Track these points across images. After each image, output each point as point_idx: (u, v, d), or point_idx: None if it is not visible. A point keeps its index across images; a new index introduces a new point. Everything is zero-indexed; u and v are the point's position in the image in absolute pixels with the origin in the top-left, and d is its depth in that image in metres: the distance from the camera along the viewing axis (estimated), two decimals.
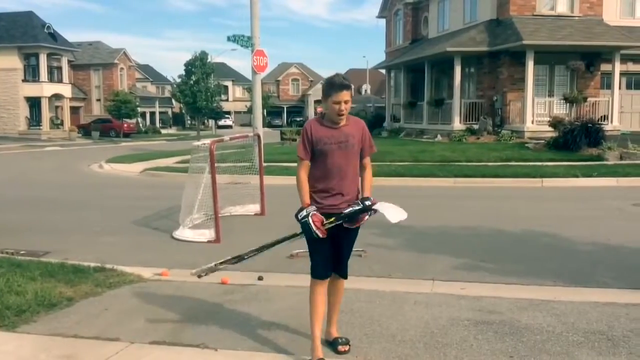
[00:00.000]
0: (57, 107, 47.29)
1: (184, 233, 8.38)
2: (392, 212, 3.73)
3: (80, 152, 31.17)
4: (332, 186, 3.77)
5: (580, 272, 6.26)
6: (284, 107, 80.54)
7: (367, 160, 3.95)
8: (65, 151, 32.31)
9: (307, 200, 3.75)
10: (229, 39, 13.92)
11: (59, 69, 46.04)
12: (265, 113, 62.41)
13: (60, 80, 45.93)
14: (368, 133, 3.95)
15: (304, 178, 3.80)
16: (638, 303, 4.99)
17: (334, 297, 4.05)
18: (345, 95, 3.67)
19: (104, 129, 47.14)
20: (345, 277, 4.03)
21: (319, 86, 78.18)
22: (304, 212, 3.66)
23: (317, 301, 3.86)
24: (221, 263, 4.08)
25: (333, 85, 3.70)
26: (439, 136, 25.00)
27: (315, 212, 3.67)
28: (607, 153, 17.25)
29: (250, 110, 23.05)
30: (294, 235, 3.89)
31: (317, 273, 3.85)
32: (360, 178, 3.93)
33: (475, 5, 26.22)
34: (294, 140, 30.02)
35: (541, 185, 14.23)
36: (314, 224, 3.61)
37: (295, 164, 4.04)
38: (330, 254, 3.83)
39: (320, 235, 3.63)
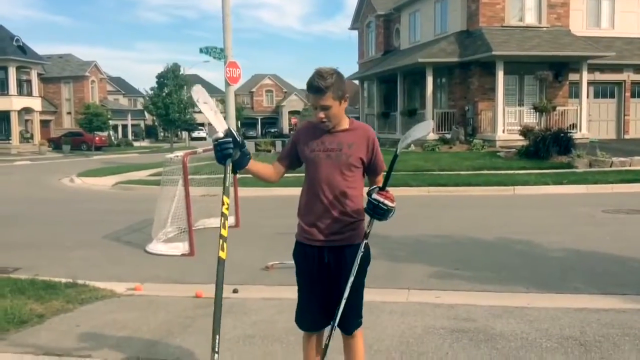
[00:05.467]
0: (26, 120, 46.52)
1: (157, 247, 8.28)
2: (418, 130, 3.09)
3: (51, 166, 30.63)
4: (317, 206, 2.99)
5: (553, 278, 6.34)
6: (258, 119, 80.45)
7: (381, 178, 3.11)
8: (36, 165, 31.74)
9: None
10: (201, 50, 13.88)
11: (29, 82, 45.36)
12: (239, 124, 62.26)
13: (29, 94, 45.24)
14: (377, 146, 3.08)
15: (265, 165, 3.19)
16: (609, 308, 5.08)
17: (347, 358, 3.24)
18: (319, 99, 2.87)
19: (75, 143, 46.47)
20: (348, 333, 3.12)
21: (293, 97, 79.56)
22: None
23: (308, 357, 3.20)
24: None
25: (308, 86, 2.92)
26: (412, 146, 25.18)
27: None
28: (576, 161, 17.57)
29: None
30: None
31: (300, 321, 3.14)
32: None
33: (446, 17, 26.59)
34: (269, 151, 29.94)
35: (513, 193, 14.41)
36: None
37: None
38: (323, 297, 3.07)
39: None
